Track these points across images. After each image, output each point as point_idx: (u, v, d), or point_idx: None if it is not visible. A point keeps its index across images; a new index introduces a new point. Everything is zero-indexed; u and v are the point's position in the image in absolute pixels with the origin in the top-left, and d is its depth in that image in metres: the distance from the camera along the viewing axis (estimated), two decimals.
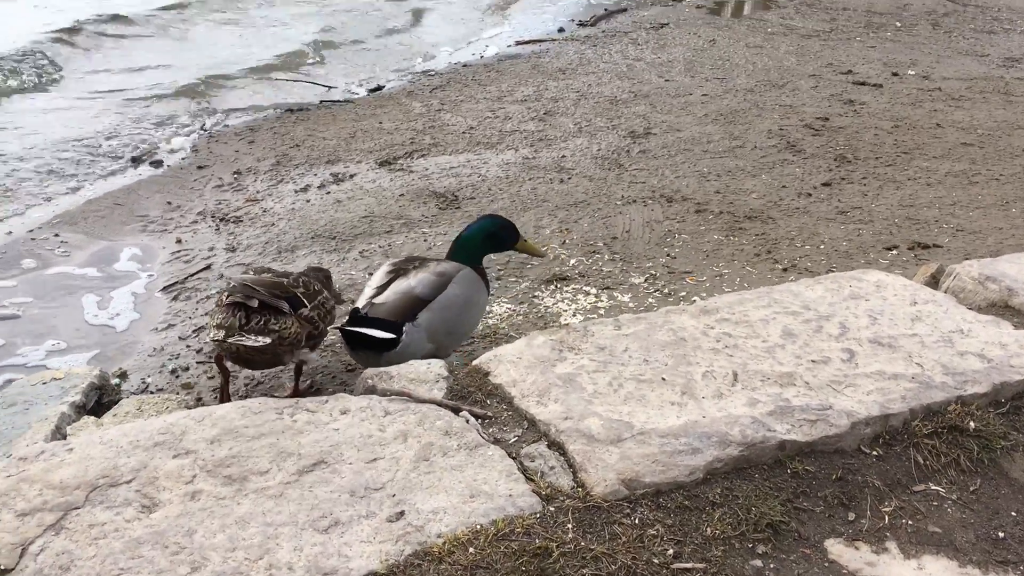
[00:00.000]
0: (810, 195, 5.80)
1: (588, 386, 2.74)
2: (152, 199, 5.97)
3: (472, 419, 2.64)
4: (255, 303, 3.32)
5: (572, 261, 4.84)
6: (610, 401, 2.67)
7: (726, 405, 2.66)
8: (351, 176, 6.28)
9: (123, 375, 4.04)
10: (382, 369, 2.95)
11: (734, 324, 3.13)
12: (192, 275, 4.93)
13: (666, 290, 4.49)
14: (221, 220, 5.61)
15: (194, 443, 2.51)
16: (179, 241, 5.35)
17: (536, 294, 4.48)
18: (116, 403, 3.66)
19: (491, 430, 2.62)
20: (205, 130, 7.47)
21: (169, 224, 5.62)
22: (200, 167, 6.55)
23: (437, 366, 2.93)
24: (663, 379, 2.78)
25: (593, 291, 4.49)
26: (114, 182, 6.33)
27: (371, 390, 2.89)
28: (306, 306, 3.60)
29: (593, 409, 2.62)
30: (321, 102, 8.26)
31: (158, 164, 6.75)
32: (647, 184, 6.00)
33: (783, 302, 3.30)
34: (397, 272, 3.49)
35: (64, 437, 3.15)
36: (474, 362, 2.97)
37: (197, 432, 2.56)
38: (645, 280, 4.61)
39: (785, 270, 4.69)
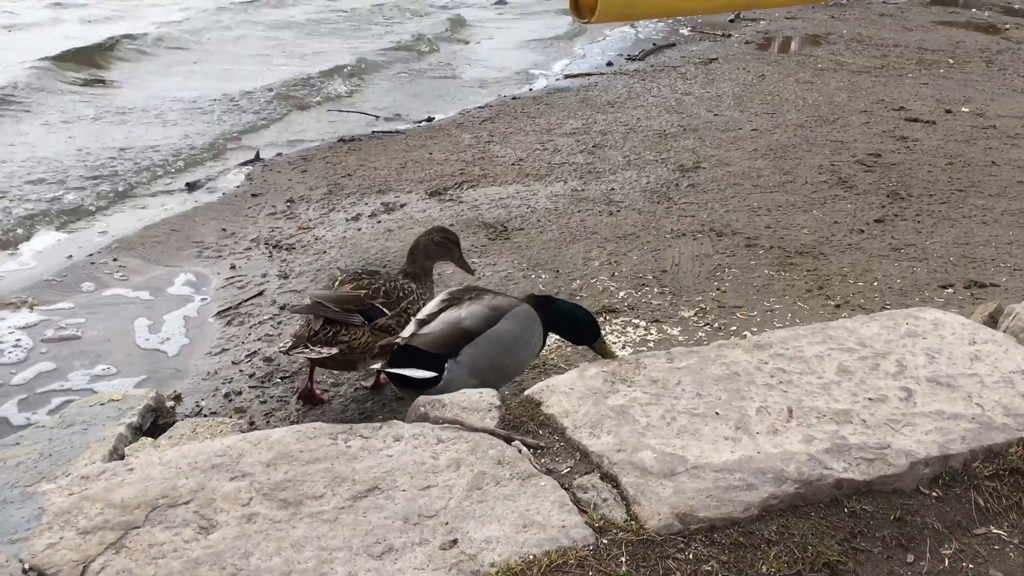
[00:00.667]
0: (862, 231, 5.75)
1: (641, 419, 2.73)
2: (207, 226, 6.09)
3: (524, 449, 2.64)
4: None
5: (621, 294, 4.83)
6: (663, 434, 2.65)
7: (781, 441, 2.63)
8: (401, 206, 6.35)
9: (177, 398, 4.11)
10: (435, 397, 2.97)
11: (788, 360, 3.11)
12: (245, 301, 5.01)
13: (716, 324, 4.46)
14: (274, 247, 5.70)
15: (250, 466, 2.54)
16: (233, 267, 5.45)
17: None
18: (171, 425, 3.72)
19: (543, 460, 2.62)
20: (260, 159, 7.62)
21: (224, 250, 5.73)
22: (254, 195, 6.68)
23: (489, 395, 2.94)
24: (716, 413, 2.76)
25: (643, 324, 4.48)
26: (171, 208, 6.47)
27: (423, 418, 2.91)
28: (386, 314, 3.75)
29: (646, 442, 2.61)
30: (373, 132, 8.39)
31: (213, 191, 6.90)
32: (696, 218, 5.99)
33: (838, 338, 3.26)
34: (451, 301, 3.49)
35: (122, 457, 3.20)
36: (526, 392, 2.97)
37: (253, 455, 2.59)
38: (695, 314, 4.59)
39: (838, 307, 4.64)
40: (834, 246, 5.50)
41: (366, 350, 3.82)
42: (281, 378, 4.17)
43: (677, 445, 2.60)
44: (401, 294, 3.92)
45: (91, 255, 5.56)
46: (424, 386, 3.24)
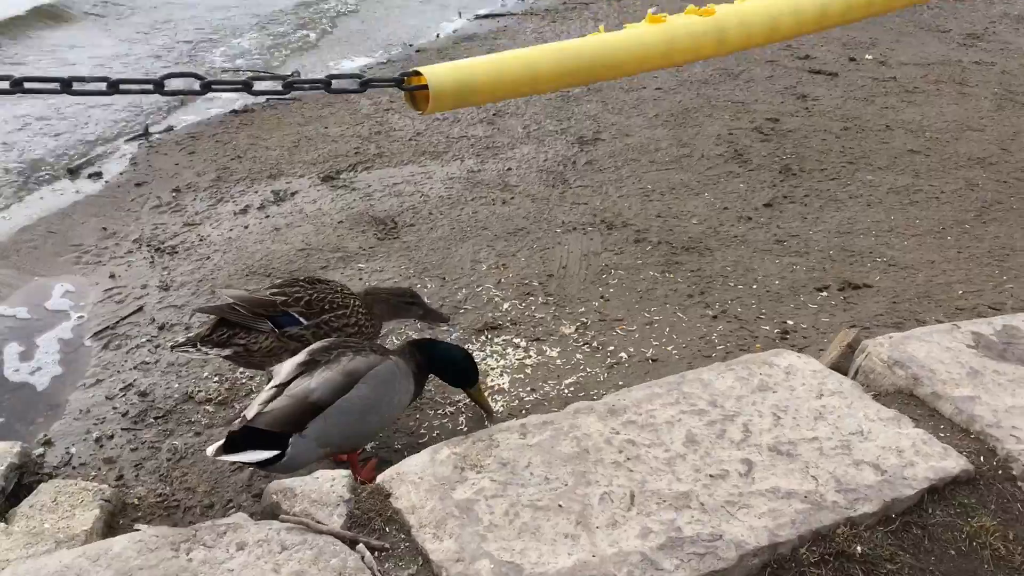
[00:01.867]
0: (750, 219, 5.81)
1: (485, 516, 2.78)
2: (87, 224, 5.90)
3: (368, 555, 2.68)
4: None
5: (506, 305, 4.84)
6: (504, 535, 2.71)
7: (619, 537, 2.71)
8: (292, 194, 6.21)
9: (48, 442, 4.04)
10: (286, 485, 2.97)
11: (639, 428, 3.17)
12: (123, 319, 4.90)
13: (595, 343, 4.51)
14: (156, 250, 5.55)
15: None
16: (112, 276, 5.31)
17: (467, 347, 4.49)
18: (36, 485, 3.67)
19: (387, 566, 2.67)
20: (148, 135, 7.34)
21: (104, 255, 5.56)
22: (138, 184, 6.46)
23: (340, 485, 2.95)
24: (560, 505, 2.82)
25: (523, 343, 4.51)
26: (50, 202, 6.23)
27: (275, 508, 2.93)
28: (300, 323, 3.76)
29: (486, 548, 2.66)
30: (267, 99, 8.11)
31: (97, 176, 6.65)
32: (589, 206, 5.97)
33: (692, 397, 3.33)
34: (309, 364, 3.44)
35: None
36: (378, 479, 2.99)
37: None
38: (576, 330, 4.62)
39: (715, 317, 4.72)
40: (721, 238, 5.55)
41: (269, 354, 3.85)
42: (155, 418, 4.12)
43: (516, 549, 2.66)
44: (327, 307, 3.91)
45: None
46: (266, 465, 3.23)
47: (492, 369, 4.32)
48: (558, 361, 4.37)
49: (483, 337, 4.57)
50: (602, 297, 4.92)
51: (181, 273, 5.28)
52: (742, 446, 3.10)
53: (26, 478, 3.74)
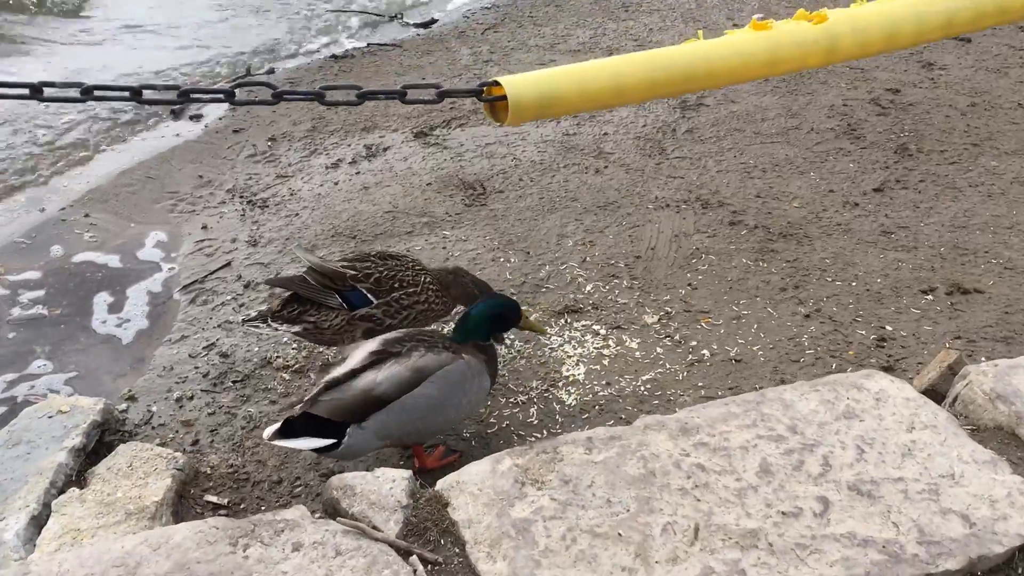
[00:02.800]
0: (856, 204, 5.48)
1: (541, 539, 2.71)
2: (184, 171, 5.97)
3: (420, 568, 2.65)
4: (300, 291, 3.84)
5: (588, 287, 4.71)
6: (560, 562, 2.64)
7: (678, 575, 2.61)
8: (384, 150, 6.15)
9: (131, 398, 4.14)
10: (347, 482, 2.96)
11: (711, 452, 3.04)
12: (212, 273, 4.96)
13: (678, 336, 4.35)
14: (248, 203, 5.59)
15: None
16: (205, 227, 5.38)
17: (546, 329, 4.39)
18: (115, 445, 3.78)
19: None
20: (250, 74, 7.36)
21: (198, 204, 5.64)
22: (236, 131, 6.50)
23: (400, 488, 2.91)
24: (620, 534, 2.73)
25: (603, 331, 4.38)
26: (151, 145, 6.32)
27: (335, 505, 2.92)
28: (370, 302, 3.75)
29: (539, 575, 2.60)
30: (368, 45, 8.03)
31: (198, 119, 6.73)
32: (685, 180, 5.74)
33: (770, 420, 3.17)
34: (380, 355, 3.40)
35: (49, 515, 3.26)
36: (438, 485, 2.95)
37: (150, 566, 2.63)
38: (659, 320, 4.47)
39: (808, 316, 4.49)
40: (822, 225, 5.26)
41: (339, 332, 3.86)
42: (233, 382, 4.18)
43: None
44: (397, 285, 3.87)
45: (63, 208, 5.51)
46: (321, 452, 3.25)
47: (568, 357, 4.21)
48: (637, 354, 4.24)
49: (563, 320, 4.46)
50: (689, 284, 4.73)
51: (270, 229, 5.31)
52: (820, 481, 2.94)
53: (107, 436, 3.86)
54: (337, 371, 3.33)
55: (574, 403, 3.93)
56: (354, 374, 3.29)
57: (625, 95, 2.68)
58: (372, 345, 3.44)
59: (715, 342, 4.31)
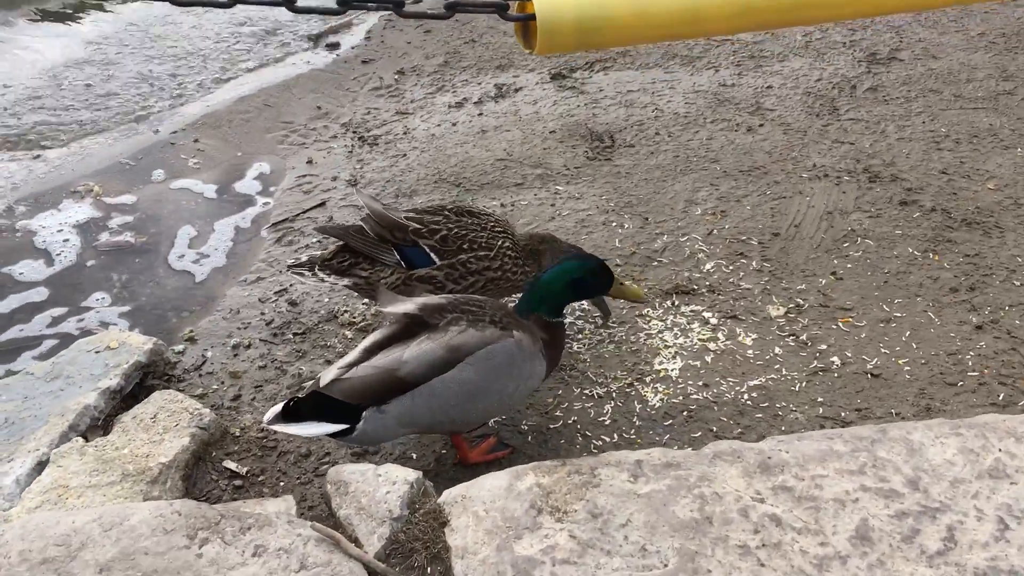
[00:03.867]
0: None
1: None
2: (304, 100, 5.66)
3: None
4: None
5: (709, 265, 4.00)
6: None
7: None
8: (515, 91, 5.59)
9: (191, 339, 3.86)
10: (344, 477, 2.50)
11: (794, 500, 2.34)
12: (304, 212, 4.62)
13: (805, 336, 3.59)
14: (360, 139, 5.21)
15: (81, 569, 2.23)
16: (310, 162, 5.04)
17: (645, 311, 3.75)
18: (160, 387, 3.51)
19: None
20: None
21: (309, 136, 5.31)
22: (365, 61, 6.12)
23: (396, 496, 2.42)
24: None
25: (714, 320, 3.68)
26: (279, 72, 6.05)
27: (327, 502, 2.48)
28: (432, 262, 3.30)
29: None
30: None
31: (334, 48, 6.41)
32: (855, 147, 4.84)
33: (885, 466, 2.43)
34: (413, 324, 2.85)
35: (45, 463, 3.00)
36: (442, 497, 2.44)
37: (93, 550, 2.27)
38: (786, 314, 3.71)
39: (979, 327, 3.59)
40: (1020, 215, 4.26)
41: (392, 289, 3.39)
42: (294, 334, 3.82)
43: None
44: (466, 246, 3.35)
45: (175, 132, 5.32)
46: (335, 436, 2.76)
47: (666, 347, 3.56)
48: (750, 352, 3.52)
49: (669, 302, 3.79)
50: (833, 274, 3.92)
51: (373, 169, 4.90)
52: (937, 562, 2.20)
53: (150, 380, 3.59)
54: (355, 351, 2.84)
55: (659, 405, 3.29)
56: (377, 348, 2.80)
57: (702, 23, 1.98)
58: (408, 306, 2.89)
59: (851, 348, 3.51)
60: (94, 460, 2.93)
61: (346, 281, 3.42)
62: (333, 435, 2.72)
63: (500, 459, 3.09)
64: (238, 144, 5.25)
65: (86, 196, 4.75)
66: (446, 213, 3.47)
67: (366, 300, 3.83)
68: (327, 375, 2.74)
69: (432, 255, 3.38)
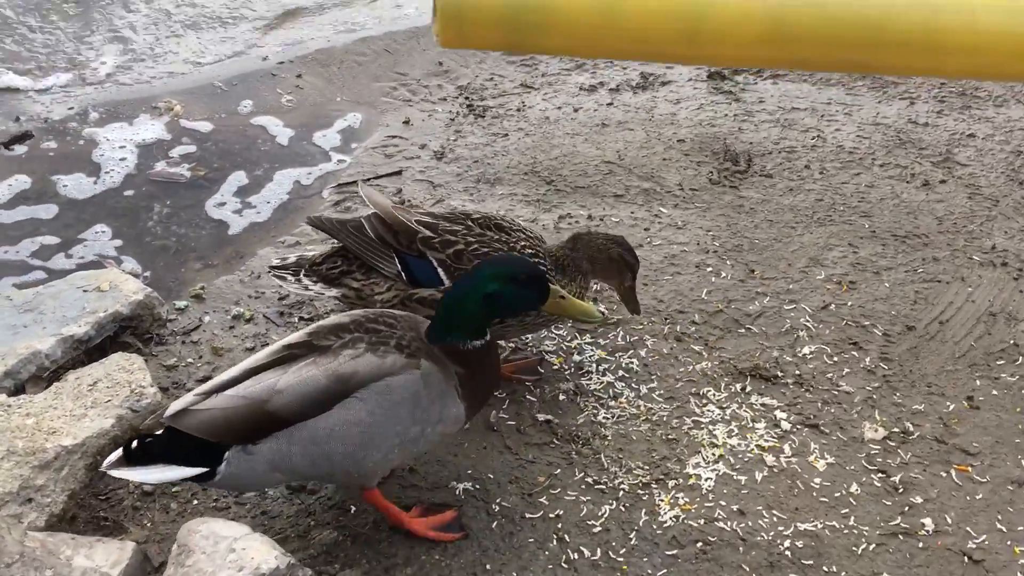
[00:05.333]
0: None
1: None
2: (427, 54, 5.10)
3: None
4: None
5: (807, 349, 3.15)
6: None
7: None
8: (661, 84, 4.81)
9: (198, 297, 3.45)
10: (191, 539, 1.97)
11: None
12: (376, 178, 4.10)
13: (898, 477, 2.71)
14: (469, 107, 4.61)
15: None
16: (407, 122, 4.51)
17: (702, 388, 2.98)
18: (139, 346, 3.12)
19: None
20: None
21: (418, 94, 4.77)
22: None
23: None
24: None
25: (787, 424, 2.86)
26: (412, 16, 5.49)
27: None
28: (441, 282, 2.73)
29: None
30: None
31: None
32: None
33: None
34: (302, 347, 2.28)
35: None
36: None
37: None
38: (885, 439, 2.84)
39: None
40: None
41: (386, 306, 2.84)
42: (301, 318, 3.33)
43: None
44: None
45: (281, 63, 4.91)
46: (196, 482, 2.23)
47: (712, 445, 2.79)
48: (817, 481, 2.69)
49: (738, 386, 2.99)
50: (968, 399, 2.99)
51: (466, 144, 4.30)
52: None
53: (127, 335, 3.20)
54: (229, 371, 2.28)
55: (670, 523, 2.55)
56: (251, 373, 2.23)
57: (706, 44, 1.22)
58: (290, 337, 2.36)
59: (955, 511, 2.61)
60: None
61: (334, 292, 2.87)
62: (193, 480, 2.19)
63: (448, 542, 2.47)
64: (340, 87, 4.78)
65: (164, 114, 4.43)
66: (469, 224, 2.84)
67: None
68: (177, 403, 2.21)
69: (440, 272, 2.76)
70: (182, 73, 4.78)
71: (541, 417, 2.88)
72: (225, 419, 2.14)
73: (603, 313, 3.07)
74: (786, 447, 2.80)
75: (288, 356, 2.25)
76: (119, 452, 2.20)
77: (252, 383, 2.19)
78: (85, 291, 3.26)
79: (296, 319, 3.32)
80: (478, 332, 2.33)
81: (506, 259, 2.54)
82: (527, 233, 2.88)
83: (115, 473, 2.19)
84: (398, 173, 4.13)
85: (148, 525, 2.51)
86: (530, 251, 2.81)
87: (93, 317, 3.13)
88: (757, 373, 3.05)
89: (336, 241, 2.93)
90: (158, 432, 2.24)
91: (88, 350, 3.10)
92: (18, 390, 2.89)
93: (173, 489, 2.63)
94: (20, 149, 4.15)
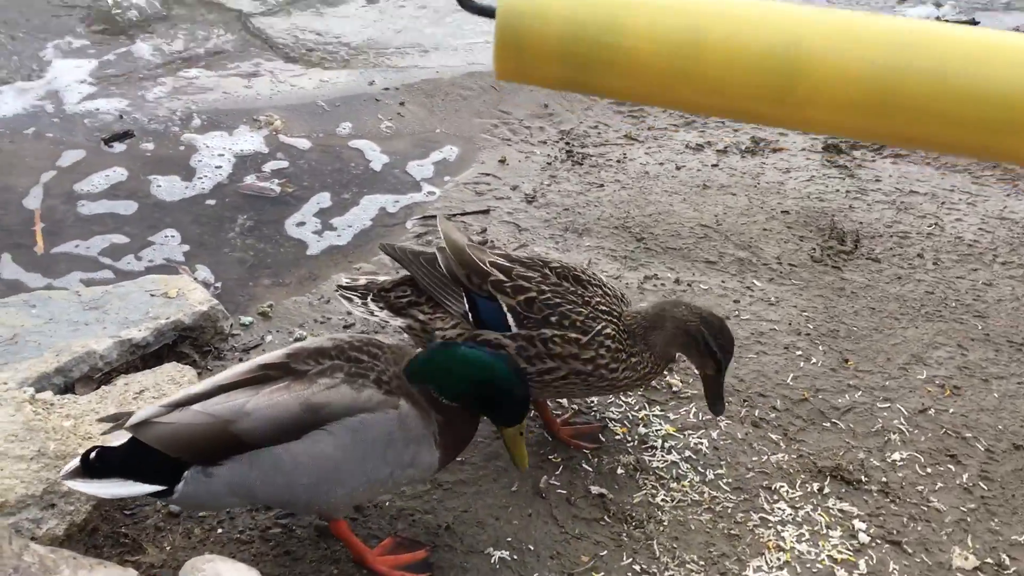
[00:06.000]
0: None
1: None
2: (535, 93, 4.98)
3: None
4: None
5: (897, 455, 2.86)
6: None
7: None
8: (772, 151, 4.58)
9: (264, 315, 3.39)
10: None
11: None
12: (462, 214, 3.99)
13: None
14: (568, 152, 4.47)
15: None
16: (503, 161, 4.39)
17: (775, 483, 2.73)
18: (182, 359, 3.06)
19: None
20: None
21: (518, 134, 4.65)
22: None
23: None
24: None
25: (865, 537, 2.58)
26: None
27: None
28: (508, 328, 2.60)
29: None
30: None
31: None
32: None
33: None
34: (277, 368, 2.18)
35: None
36: None
37: None
38: (975, 569, 2.53)
39: None
40: None
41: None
42: None
43: None
44: (555, 319, 2.57)
45: (386, 89, 4.87)
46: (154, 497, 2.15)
47: (778, 548, 2.54)
48: None
49: (815, 485, 2.73)
50: None
51: (558, 190, 4.16)
52: None
53: (185, 345, 3.15)
54: (200, 384, 2.20)
55: None
56: (221, 390, 2.14)
57: (801, 105, 1.03)
58: (267, 356, 2.26)
59: None
60: (22, 421, 2.47)
61: (399, 322, 2.74)
62: (150, 496, 2.12)
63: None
64: (441, 119, 4.71)
65: (264, 128, 4.43)
66: (546, 271, 2.68)
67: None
68: (141, 412, 2.12)
69: (509, 318, 2.61)
70: (289, 89, 4.79)
71: (595, 490, 2.67)
72: (187, 435, 2.06)
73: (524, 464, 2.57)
74: (862, 563, 2.52)
75: (262, 376, 2.16)
76: (75, 463, 2.12)
77: (220, 400, 2.10)
78: (152, 295, 3.23)
79: None
80: (453, 399, 2.25)
81: (518, 369, 2.39)
82: (605, 289, 2.70)
83: (70, 484, 2.13)
84: (485, 212, 4.01)
85: (167, 549, 2.40)
86: (604, 308, 2.63)
87: (154, 323, 3.09)
88: (839, 474, 2.78)
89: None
90: (118, 443, 2.15)
91: (144, 356, 3.06)
92: (67, 388, 2.85)
93: (200, 513, 2.53)
94: (119, 147, 4.19)
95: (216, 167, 4.14)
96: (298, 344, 2.29)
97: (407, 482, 2.31)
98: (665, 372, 2.85)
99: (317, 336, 3.12)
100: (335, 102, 4.71)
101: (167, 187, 4.00)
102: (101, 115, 4.41)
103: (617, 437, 2.87)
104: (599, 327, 2.59)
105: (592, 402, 2.99)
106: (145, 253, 3.67)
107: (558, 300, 2.60)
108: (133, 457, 2.11)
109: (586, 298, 2.63)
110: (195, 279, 3.45)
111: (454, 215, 3.98)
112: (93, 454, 2.12)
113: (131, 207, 3.87)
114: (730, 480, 2.74)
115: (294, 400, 2.08)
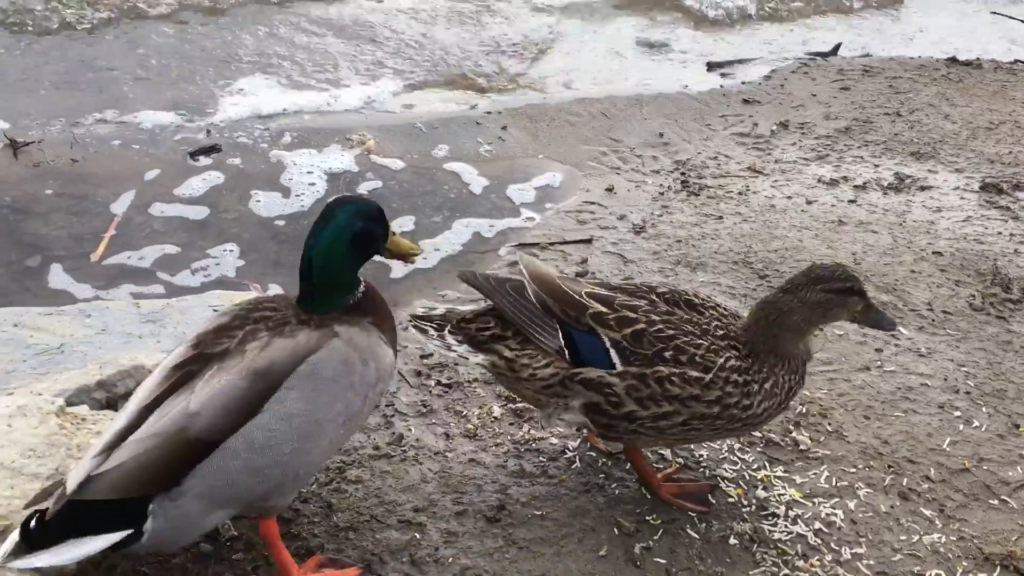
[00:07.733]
0: None
1: None
2: (649, 122, 4.62)
3: None
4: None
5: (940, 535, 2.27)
6: None
7: None
8: (920, 188, 4.05)
9: None
10: None
11: None
12: (561, 243, 3.61)
13: None
14: (683, 183, 4.05)
15: None
16: (610, 189, 4.00)
17: (929, 569, 2.18)
18: None
19: None
20: (822, 55, 5.61)
21: (629, 163, 4.27)
22: (747, 101, 4.89)
23: None
24: None
25: None
26: (641, 83, 5.06)
27: None
28: (612, 365, 2.19)
29: None
30: (1015, 61, 5.64)
31: (728, 76, 5.31)
32: None
33: None
34: (192, 362, 1.89)
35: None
36: None
37: None
38: None
39: None
40: None
41: (544, 392, 2.29)
42: (439, 382, 2.84)
43: None
44: (668, 352, 2.17)
45: (488, 112, 4.58)
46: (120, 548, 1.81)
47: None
48: None
49: (982, 575, 2.18)
50: None
51: (671, 221, 3.73)
52: None
53: None
54: (119, 419, 1.86)
55: None
56: (147, 411, 1.83)
57: None
58: (177, 353, 1.95)
59: None
60: (44, 435, 2.17)
61: (480, 358, 2.35)
62: (115, 548, 1.78)
63: None
64: (545, 144, 4.37)
65: (356, 147, 4.17)
66: (653, 298, 2.25)
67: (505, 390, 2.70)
68: (77, 472, 1.78)
69: (613, 354, 2.19)
70: (386, 111, 4.55)
71: (700, 566, 2.19)
72: (141, 468, 1.75)
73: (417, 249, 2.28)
74: None
75: (184, 376, 1.87)
76: (15, 537, 1.74)
77: (156, 418, 1.81)
78: (216, 311, 2.94)
79: (433, 382, 2.83)
80: (354, 284, 2.05)
81: (352, 196, 2.20)
82: (721, 310, 2.26)
83: (18, 565, 1.72)
84: (587, 241, 3.61)
85: None
86: (721, 334, 2.19)
87: None
88: (1011, 564, 2.22)
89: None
90: (54, 507, 1.77)
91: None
92: (109, 404, 2.55)
93: (234, 556, 2.17)
94: (205, 161, 3.99)
95: (310, 185, 3.89)
96: (195, 333, 2.01)
97: (379, 399, 2.15)
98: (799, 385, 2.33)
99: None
100: (433, 124, 4.44)
101: (267, 205, 3.77)
102: (186, 128, 4.24)
103: (731, 500, 2.38)
104: (721, 361, 2.14)
105: (701, 455, 2.51)
106: (212, 269, 3.41)
107: (671, 332, 2.18)
108: (79, 514, 1.77)
109: (704, 327, 2.20)
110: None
111: (553, 244, 3.60)
112: (33, 522, 1.77)
113: (205, 217, 3.64)
114: (871, 562, 2.21)
115: (236, 377, 1.84)
